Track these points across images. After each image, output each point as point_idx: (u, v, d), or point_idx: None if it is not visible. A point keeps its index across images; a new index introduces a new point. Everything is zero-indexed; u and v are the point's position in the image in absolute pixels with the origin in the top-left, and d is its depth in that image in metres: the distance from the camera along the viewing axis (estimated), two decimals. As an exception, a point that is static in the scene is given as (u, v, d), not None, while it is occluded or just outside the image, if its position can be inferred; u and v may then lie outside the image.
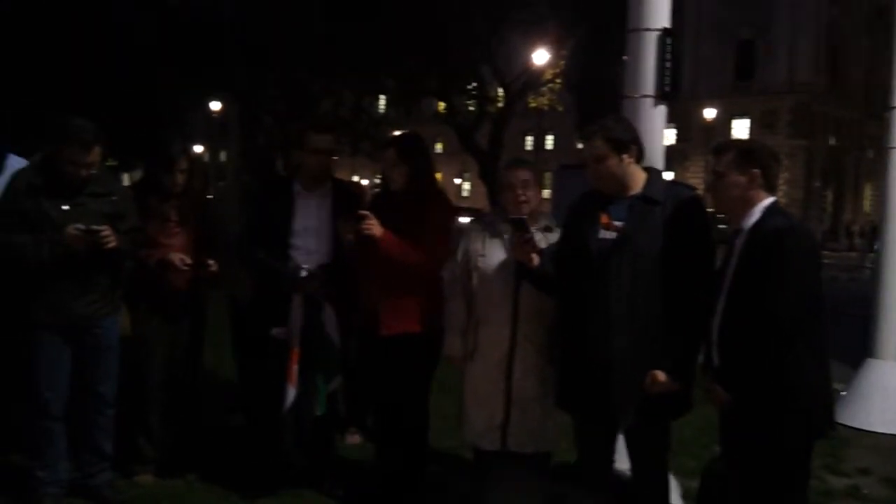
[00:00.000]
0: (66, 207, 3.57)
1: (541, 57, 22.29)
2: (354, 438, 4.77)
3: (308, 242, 3.92)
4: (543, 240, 3.41)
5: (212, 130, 28.55)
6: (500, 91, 24.22)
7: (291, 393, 3.83)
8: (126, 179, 17.71)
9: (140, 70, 19.98)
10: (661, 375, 2.95)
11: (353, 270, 3.85)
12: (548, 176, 10.27)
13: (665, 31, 3.83)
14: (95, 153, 3.58)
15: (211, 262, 4.03)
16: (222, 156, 43.98)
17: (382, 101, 29.69)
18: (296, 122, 24.01)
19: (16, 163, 3.84)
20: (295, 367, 3.83)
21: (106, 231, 3.52)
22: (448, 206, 3.89)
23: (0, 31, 16.40)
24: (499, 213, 3.61)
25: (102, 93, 17.80)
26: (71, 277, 3.58)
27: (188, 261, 3.94)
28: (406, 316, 3.72)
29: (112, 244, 3.55)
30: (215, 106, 29.21)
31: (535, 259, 3.26)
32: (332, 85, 23.52)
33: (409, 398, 3.81)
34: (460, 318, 3.61)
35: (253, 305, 4.08)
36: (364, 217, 3.62)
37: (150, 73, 20.13)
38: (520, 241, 3.27)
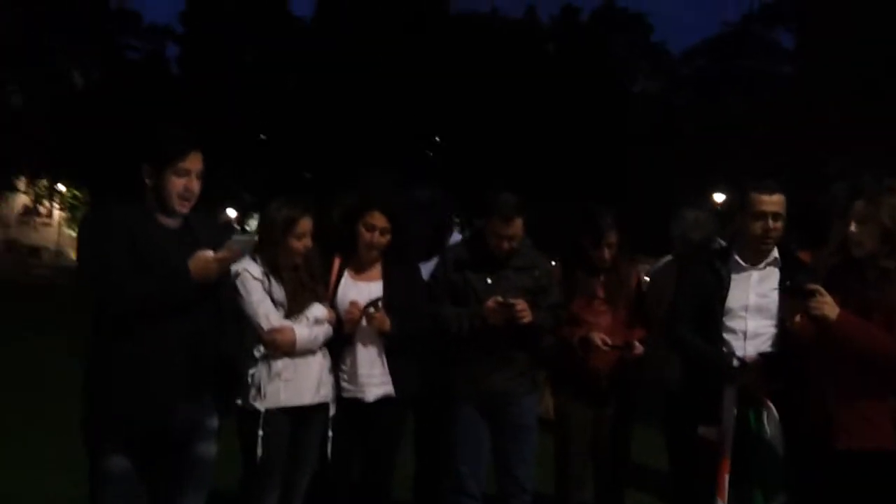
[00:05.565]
0: (489, 280, 3.56)
1: None
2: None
3: (746, 324, 3.24)
4: None
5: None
6: None
7: (722, 508, 3.14)
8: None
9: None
10: None
11: (802, 360, 3.05)
12: None
13: None
14: (517, 226, 3.52)
15: (636, 343, 3.63)
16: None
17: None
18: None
19: (457, 239, 3.99)
20: (725, 478, 3.14)
21: (521, 305, 3.40)
22: None
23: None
24: None
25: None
26: (489, 350, 3.53)
27: (609, 341, 3.60)
28: (873, 427, 2.78)
29: (527, 319, 3.41)
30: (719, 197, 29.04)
31: None
32: (850, 164, 21.45)
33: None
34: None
35: (682, 396, 3.53)
36: (813, 292, 2.83)
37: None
38: None
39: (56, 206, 35.33)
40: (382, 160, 27.08)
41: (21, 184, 32.22)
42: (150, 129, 2.89)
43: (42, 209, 35.86)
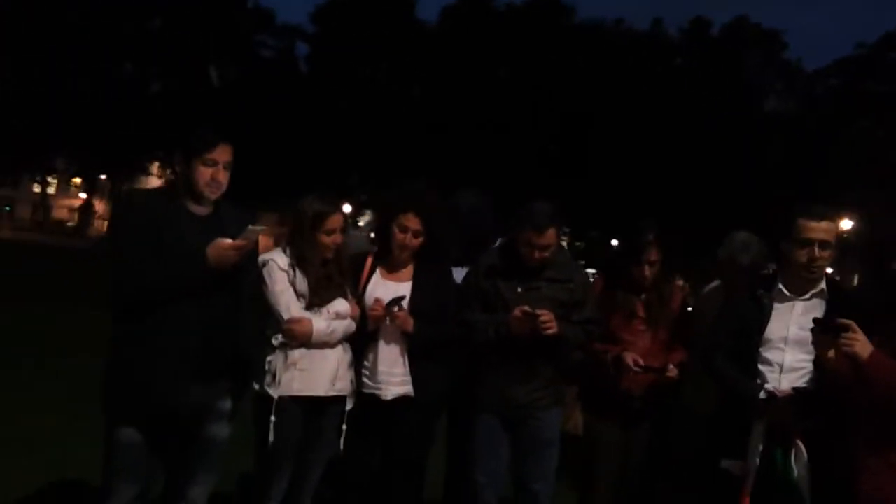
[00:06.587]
0: (519, 290, 3.49)
1: None
2: None
3: (783, 357, 3.05)
4: None
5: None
6: None
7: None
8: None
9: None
10: None
11: (836, 400, 2.83)
12: None
13: None
14: (549, 236, 3.43)
15: (671, 366, 3.47)
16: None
17: None
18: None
19: None
20: (745, 517, 2.96)
21: (546, 316, 3.31)
22: None
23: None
24: None
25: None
26: (513, 361, 3.46)
27: (641, 362, 3.45)
28: (905, 481, 2.54)
29: (551, 330, 3.32)
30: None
31: None
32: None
33: None
34: None
35: (711, 424, 3.34)
36: (846, 327, 2.62)
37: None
38: None
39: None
40: (494, 168, 27.12)
41: (154, 168, 34.56)
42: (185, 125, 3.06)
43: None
